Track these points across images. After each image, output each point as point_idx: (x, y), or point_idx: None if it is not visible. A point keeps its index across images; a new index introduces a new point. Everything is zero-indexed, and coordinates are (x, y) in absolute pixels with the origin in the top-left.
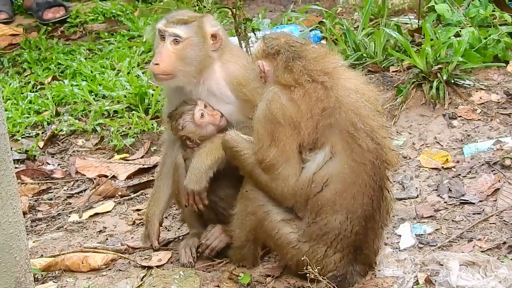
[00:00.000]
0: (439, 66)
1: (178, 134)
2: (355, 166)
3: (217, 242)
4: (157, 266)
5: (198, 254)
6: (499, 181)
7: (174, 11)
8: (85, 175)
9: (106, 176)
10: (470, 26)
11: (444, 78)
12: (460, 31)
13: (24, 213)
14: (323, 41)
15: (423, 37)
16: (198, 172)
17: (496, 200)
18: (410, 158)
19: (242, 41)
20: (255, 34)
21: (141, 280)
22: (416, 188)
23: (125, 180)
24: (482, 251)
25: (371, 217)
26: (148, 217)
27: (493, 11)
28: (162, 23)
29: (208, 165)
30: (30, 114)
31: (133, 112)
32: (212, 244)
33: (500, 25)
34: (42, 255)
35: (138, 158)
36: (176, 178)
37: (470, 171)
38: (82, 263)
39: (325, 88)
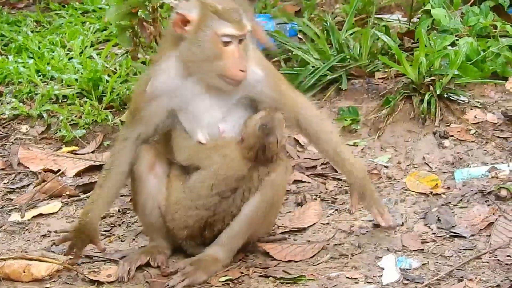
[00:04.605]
0: (432, 78)
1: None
2: None
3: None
4: (108, 282)
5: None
6: (493, 213)
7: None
8: (28, 168)
9: (52, 171)
10: (468, 36)
11: (438, 92)
12: (457, 40)
13: None
14: (300, 36)
15: (413, 42)
16: None
17: (490, 236)
18: (395, 179)
19: None
20: None
21: None
22: (402, 214)
23: (73, 177)
24: None
25: None
26: (87, 217)
27: (493, 20)
28: (232, 27)
29: None
30: None
31: (85, 99)
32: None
33: (500, 36)
34: None
35: (88, 153)
36: (136, 189)
37: (461, 200)
38: (24, 272)
39: None
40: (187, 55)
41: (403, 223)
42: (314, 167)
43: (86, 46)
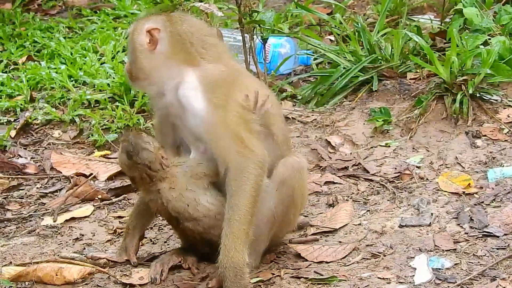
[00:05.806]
0: (464, 77)
1: None
2: None
3: None
4: (140, 285)
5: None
6: None
7: None
8: (61, 172)
9: (84, 175)
10: (500, 35)
11: (470, 91)
12: (489, 39)
13: None
14: (331, 37)
15: (445, 42)
16: None
17: None
18: (427, 179)
19: (246, 34)
20: (260, 27)
21: None
22: (433, 214)
23: (105, 181)
24: None
25: None
26: (129, 228)
27: None
28: None
29: None
30: (1, 98)
31: (117, 103)
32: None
33: None
34: (11, 262)
35: None
36: None
37: (494, 199)
38: (56, 275)
39: None
40: None
41: (435, 223)
42: (346, 168)
43: (118, 51)
